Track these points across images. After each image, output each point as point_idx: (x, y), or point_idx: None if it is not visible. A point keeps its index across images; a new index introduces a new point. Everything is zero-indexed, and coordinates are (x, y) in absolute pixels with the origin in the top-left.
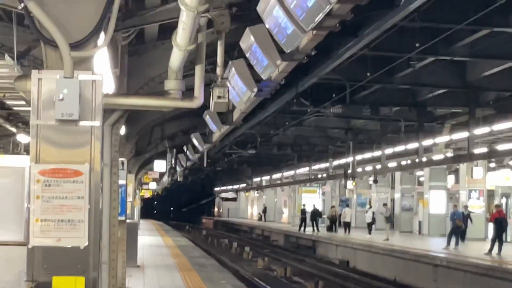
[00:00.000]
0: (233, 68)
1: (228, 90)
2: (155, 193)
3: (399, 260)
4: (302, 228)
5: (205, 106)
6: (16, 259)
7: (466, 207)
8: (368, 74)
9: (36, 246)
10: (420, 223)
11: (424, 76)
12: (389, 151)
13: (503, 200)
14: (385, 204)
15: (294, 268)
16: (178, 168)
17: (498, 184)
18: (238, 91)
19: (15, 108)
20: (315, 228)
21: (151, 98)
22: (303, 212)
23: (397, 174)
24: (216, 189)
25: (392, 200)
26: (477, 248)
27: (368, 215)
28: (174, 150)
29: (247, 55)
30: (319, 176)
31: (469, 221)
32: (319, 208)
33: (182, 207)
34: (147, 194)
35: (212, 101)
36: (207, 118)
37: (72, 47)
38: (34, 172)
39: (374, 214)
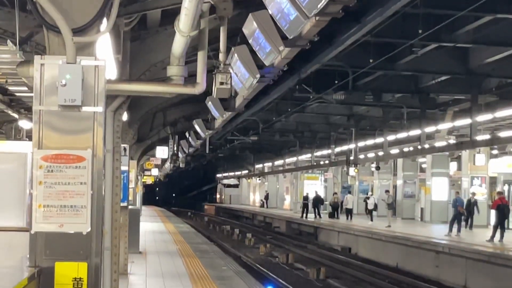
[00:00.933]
0: (236, 54)
1: (230, 76)
2: (157, 179)
3: (401, 246)
4: (304, 215)
5: (207, 92)
6: (19, 245)
7: (473, 194)
8: (371, 60)
9: (39, 232)
10: (422, 210)
11: (427, 63)
12: (391, 137)
13: (506, 187)
14: (387, 191)
15: (296, 254)
16: (180, 155)
17: (500, 171)
18: (240, 77)
19: (17, 94)
20: (317, 214)
21: (154, 84)
22: (305, 198)
23: (399, 161)
24: (218, 175)
25: (394, 187)
26: (479, 235)
27: (370, 202)
28: (176, 136)
29: (250, 41)
30: (321, 162)
31: (475, 209)
32: (321, 195)
33: (184, 194)
34: (149, 181)
35: (214, 87)
36: (210, 104)
37: (75, 32)
38: (37, 158)
39: (375, 199)
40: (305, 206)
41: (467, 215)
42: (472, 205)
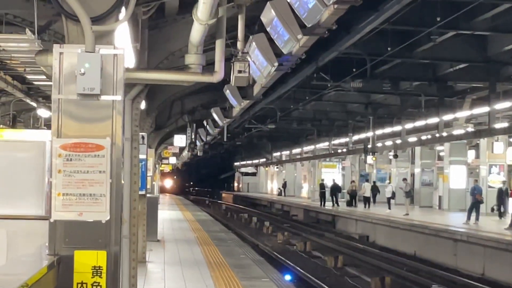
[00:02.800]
0: (254, 43)
1: (248, 65)
2: (175, 168)
3: (419, 235)
4: (323, 203)
5: (225, 80)
6: (38, 233)
7: (504, 182)
8: (389, 48)
9: (58, 220)
10: (440, 198)
11: (445, 51)
12: (409, 125)
13: None
14: (405, 179)
15: (313, 242)
16: (198, 143)
17: None
18: (258, 66)
19: (35, 83)
20: (334, 203)
21: (172, 72)
22: (322, 186)
23: (417, 149)
24: (236, 163)
25: (412, 175)
26: (497, 223)
27: (387, 190)
28: (194, 125)
29: (268, 29)
30: (339, 151)
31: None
32: (339, 183)
33: (202, 182)
34: (167, 169)
35: (232, 75)
36: (227, 92)
37: (93, 21)
38: (56, 146)
39: (393, 188)
40: (322, 195)
41: (498, 204)
42: (504, 193)
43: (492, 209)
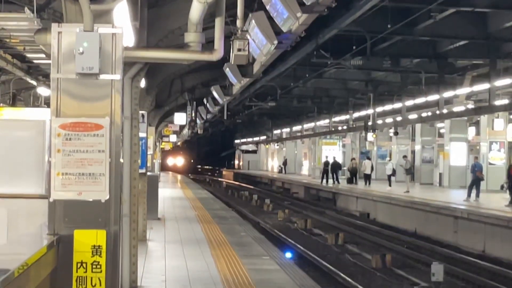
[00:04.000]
0: (253, 21)
1: (248, 43)
2: (176, 146)
3: (419, 212)
4: (325, 180)
5: (225, 58)
6: (38, 212)
7: None
8: (389, 25)
9: (57, 200)
10: (440, 175)
11: (445, 28)
12: (409, 103)
13: None
14: (405, 156)
15: (314, 220)
16: (198, 121)
17: None
18: (258, 44)
19: (35, 61)
20: (335, 180)
21: (171, 51)
22: (326, 164)
23: (418, 126)
24: (236, 141)
25: (413, 152)
26: (497, 200)
27: (388, 167)
28: (194, 103)
29: (267, 7)
30: (339, 128)
31: None
32: (339, 160)
33: (202, 160)
34: (167, 147)
35: (232, 53)
36: (227, 70)
37: (92, 0)
38: (55, 126)
39: (394, 165)
40: (325, 172)
41: (509, 181)
42: None
43: (502, 187)
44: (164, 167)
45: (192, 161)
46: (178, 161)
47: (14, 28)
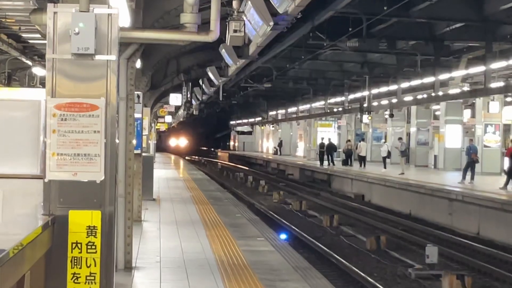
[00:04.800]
0: (249, 2)
1: (244, 24)
2: (171, 127)
3: (414, 194)
4: (322, 162)
5: (221, 39)
6: (33, 193)
7: None
8: (385, 7)
9: (53, 180)
10: (435, 157)
11: (441, 10)
12: (405, 85)
13: None
14: (400, 138)
15: (309, 202)
16: (193, 102)
17: None
18: (254, 25)
19: (30, 41)
20: (330, 162)
21: (167, 31)
22: (322, 146)
23: (413, 108)
24: (232, 122)
25: (408, 134)
26: (492, 183)
27: (383, 149)
28: (190, 84)
29: None
30: (335, 110)
31: None
32: (335, 142)
33: (198, 140)
34: (163, 128)
35: (228, 35)
36: (223, 51)
37: None
38: (50, 106)
39: (389, 147)
40: (322, 154)
41: None
42: None
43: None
44: (162, 148)
45: (190, 142)
46: (176, 142)
47: (10, 7)
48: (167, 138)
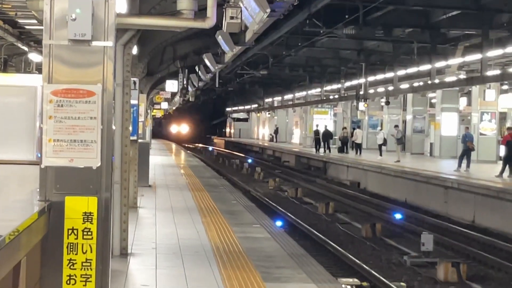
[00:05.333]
0: None
1: (241, 11)
2: (167, 113)
3: (410, 181)
4: (318, 149)
5: (217, 26)
6: (29, 178)
7: None
8: None
9: (49, 166)
10: (431, 145)
11: None
12: (401, 72)
13: None
14: (396, 126)
15: (305, 189)
16: (190, 88)
17: (510, 106)
18: (250, 12)
19: (27, 27)
20: (326, 149)
21: (164, 18)
22: (317, 133)
23: (409, 96)
24: (228, 109)
25: (404, 122)
26: (488, 170)
27: (379, 136)
28: (186, 70)
29: None
30: (331, 97)
31: None
32: (331, 129)
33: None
34: (159, 114)
35: (224, 21)
36: (219, 38)
37: None
38: (47, 92)
39: (385, 134)
40: (317, 141)
41: None
42: None
43: None
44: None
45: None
46: (177, 129)
47: None
48: (169, 125)
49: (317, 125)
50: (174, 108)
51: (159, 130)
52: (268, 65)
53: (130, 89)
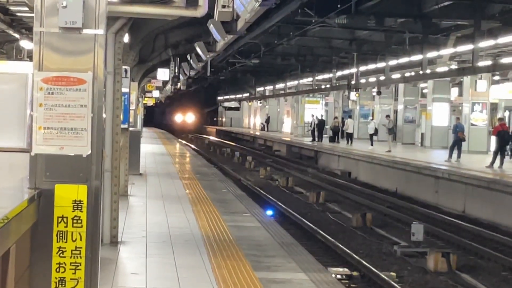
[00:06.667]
0: None
1: (232, 0)
2: (158, 101)
3: (400, 171)
4: (315, 138)
5: (209, 15)
6: (19, 166)
7: None
8: None
9: (39, 154)
10: (422, 135)
11: None
12: (393, 62)
13: (506, 114)
14: (388, 116)
15: (296, 178)
16: (181, 77)
17: (501, 97)
18: (242, 0)
19: (18, 14)
20: (317, 138)
21: (155, 6)
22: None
23: (401, 86)
24: (219, 98)
25: (395, 112)
26: (478, 161)
27: (370, 126)
28: (178, 59)
29: None
30: (323, 86)
31: None
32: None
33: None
34: (150, 102)
35: (216, 10)
36: (211, 27)
37: None
38: (37, 80)
39: (376, 124)
40: (314, 130)
41: None
42: None
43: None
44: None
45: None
46: (182, 118)
47: None
48: (173, 113)
49: (312, 115)
50: (176, 92)
51: (161, 119)
52: (260, 54)
53: (121, 77)
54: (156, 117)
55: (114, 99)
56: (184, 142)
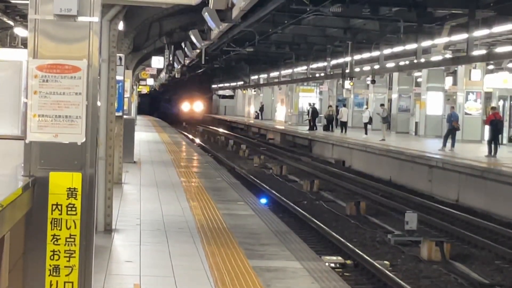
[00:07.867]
0: None
1: None
2: (153, 89)
3: (394, 160)
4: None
5: (204, 3)
6: (13, 153)
7: None
8: None
9: (33, 142)
10: (416, 124)
11: None
12: (387, 51)
13: (500, 103)
14: (382, 105)
15: (290, 166)
16: (175, 65)
17: (495, 86)
18: None
19: (12, 1)
20: (312, 127)
21: None
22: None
23: (395, 75)
24: (214, 86)
25: (389, 101)
26: (472, 150)
27: (365, 115)
28: (172, 47)
29: None
30: (317, 75)
31: None
32: (316, 107)
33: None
34: (145, 90)
35: None
36: (206, 15)
37: None
38: (32, 67)
39: (370, 113)
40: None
41: None
42: None
43: (510, 139)
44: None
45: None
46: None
47: None
48: (181, 100)
49: (309, 104)
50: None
51: (167, 108)
52: (254, 42)
53: (115, 65)
54: (155, 105)
55: (109, 87)
56: (178, 130)
